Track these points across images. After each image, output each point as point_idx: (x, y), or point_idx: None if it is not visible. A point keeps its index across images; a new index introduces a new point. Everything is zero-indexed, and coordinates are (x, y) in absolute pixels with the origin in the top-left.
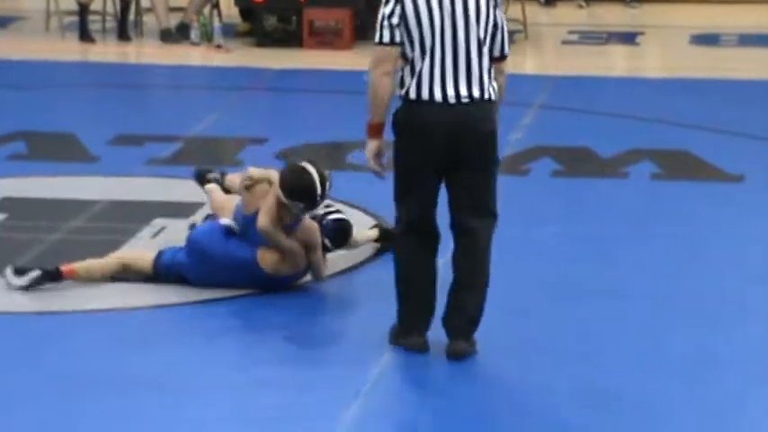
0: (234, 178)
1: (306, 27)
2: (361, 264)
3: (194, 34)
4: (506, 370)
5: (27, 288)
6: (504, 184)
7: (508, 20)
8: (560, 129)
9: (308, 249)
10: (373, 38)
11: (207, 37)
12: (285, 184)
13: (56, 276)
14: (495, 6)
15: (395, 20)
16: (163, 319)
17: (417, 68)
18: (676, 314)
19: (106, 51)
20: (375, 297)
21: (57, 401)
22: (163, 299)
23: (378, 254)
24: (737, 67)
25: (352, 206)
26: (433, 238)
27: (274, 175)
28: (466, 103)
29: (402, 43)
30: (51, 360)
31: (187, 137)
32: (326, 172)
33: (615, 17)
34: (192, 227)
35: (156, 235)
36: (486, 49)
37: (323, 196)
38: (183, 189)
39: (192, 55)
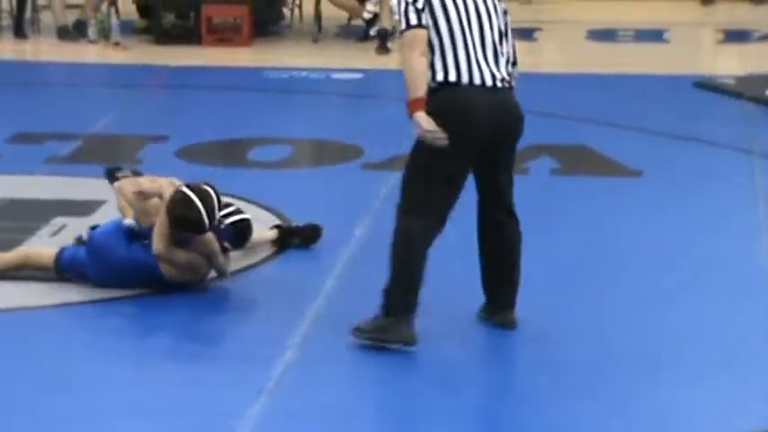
0: (126, 187)
1: (204, 24)
2: (260, 263)
3: (92, 31)
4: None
5: None
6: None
7: None
8: None
9: (207, 258)
10: (400, 26)
11: (104, 34)
12: (171, 215)
13: None
14: (505, 13)
15: (419, 5)
16: (60, 317)
17: (450, 53)
18: (578, 305)
19: (2, 49)
20: (273, 296)
21: None
22: (61, 297)
23: (276, 253)
24: (634, 62)
25: (252, 204)
26: (442, 229)
27: (166, 187)
28: (502, 88)
29: (427, 28)
30: None
31: (86, 134)
32: (213, 196)
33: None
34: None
35: (55, 234)
36: (504, 41)
37: (211, 224)
38: (82, 187)
39: (89, 52)
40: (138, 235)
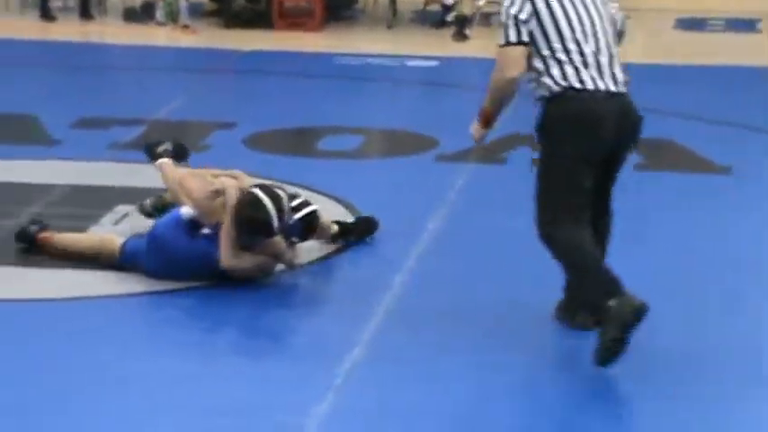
0: (190, 182)
1: (276, 7)
2: (328, 255)
3: (159, 14)
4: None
5: None
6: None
7: (488, 1)
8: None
9: (275, 257)
10: (499, 39)
11: (172, 17)
12: (240, 219)
13: (32, 240)
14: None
15: (524, 16)
16: (122, 308)
17: (566, 61)
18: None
19: (67, 30)
20: (342, 290)
21: (7, 394)
22: (123, 288)
23: (344, 247)
24: (724, 52)
25: (321, 195)
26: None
27: (229, 183)
28: (622, 92)
29: (532, 41)
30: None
31: (152, 120)
32: (283, 197)
33: None
34: (142, 208)
35: (118, 222)
36: (616, 41)
37: (281, 227)
38: (146, 174)
39: (157, 35)
40: (199, 225)
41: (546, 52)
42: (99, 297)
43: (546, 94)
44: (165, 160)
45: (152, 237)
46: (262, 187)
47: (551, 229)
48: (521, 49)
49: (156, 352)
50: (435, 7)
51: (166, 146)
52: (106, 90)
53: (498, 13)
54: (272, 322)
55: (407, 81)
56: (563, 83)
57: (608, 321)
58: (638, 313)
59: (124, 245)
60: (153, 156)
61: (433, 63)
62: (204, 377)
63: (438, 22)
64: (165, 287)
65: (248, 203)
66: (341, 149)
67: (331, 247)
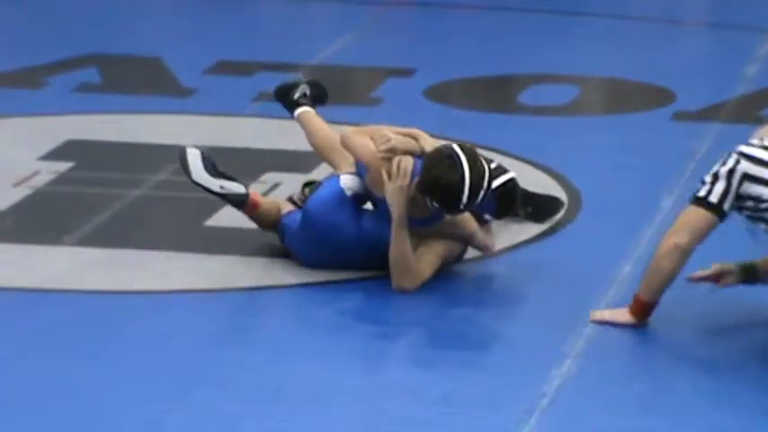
0: (356, 140)
1: None
2: (531, 240)
3: None
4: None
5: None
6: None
7: None
8: None
9: (463, 241)
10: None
11: None
12: (425, 171)
13: (244, 203)
14: None
15: (735, 179)
16: (267, 303)
17: None
18: None
19: None
20: (548, 285)
21: (137, 401)
22: (270, 279)
23: (551, 230)
24: None
25: (523, 162)
26: None
27: (413, 145)
28: None
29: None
30: (130, 350)
31: (309, 65)
32: (486, 171)
33: None
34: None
35: (266, 194)
36: None
37: (469, 204)
38: (301, 133)
39: None
40: (363, 199)
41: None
42: (242, 289)
43: None
44: (306, 109)
45: (306, 216)
46: (463, 147)
47: None
48: (710, 216)
49: (310, 359)
50: None
51: (303, 89)
52: (250, 27)
53: None
54: (458, 325)
55: (635, 16)
56: None
57: None
58: None
59: (282, 221)
60: (291, 104)
61: None
62: (368, 392)
63: None
64: (321, 278)
65: (440, 159)
66: (549, 104)
67: (534, 228)
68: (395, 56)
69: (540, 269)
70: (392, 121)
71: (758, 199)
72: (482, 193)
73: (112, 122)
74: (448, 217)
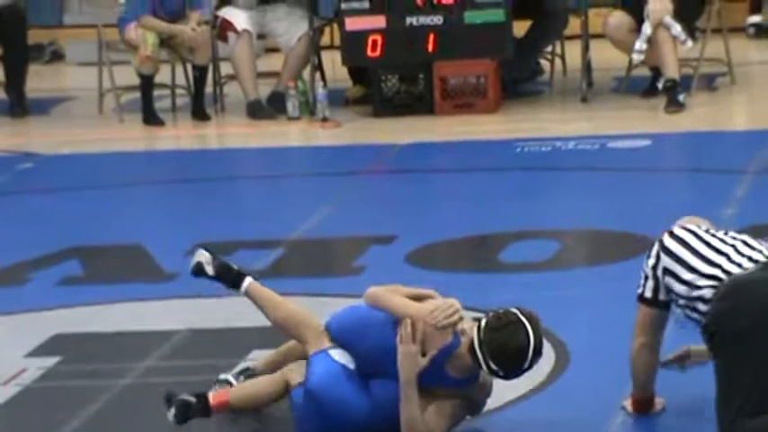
0: (398, 304)
1: (438, 87)
2: (509, 403)
3: (292, 106)
4: None
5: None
6: None
7: (706, 59)
8: None
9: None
10: None
11: (308, 108)
12: (490, 341)
13: (205, 409)
14: None
15: (660, 275)
16: None
17: None
18: None
19: (180, 134)
20: None
21: None
22: None
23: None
24: None
25: None
26: None
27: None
28: None
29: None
30: None
31: (290, 240)
32: (540, 326)
33: None
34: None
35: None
36: None
37: (530, 368)
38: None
39: (290, 133)
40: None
41: None
42: None
43: None
44: (252, 280)
45: (312, 398)
46: (520, 309)
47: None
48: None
49: None
50: (643, 71)
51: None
52: (229, 206)
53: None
54: None
55: (611, 168)
56: None
57: None
58: None
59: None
60: (236, 278)
61: (644, 142)
62: None
63: (647, 89)
64: None
65: (507, 324)
66: (531, 260)
67: (522, 385)
68: (375, 224)
69: (531, 427)
70: None
71: (676, 293)
72: (542, 349)
73: (97, 313)
74: (483, 380)
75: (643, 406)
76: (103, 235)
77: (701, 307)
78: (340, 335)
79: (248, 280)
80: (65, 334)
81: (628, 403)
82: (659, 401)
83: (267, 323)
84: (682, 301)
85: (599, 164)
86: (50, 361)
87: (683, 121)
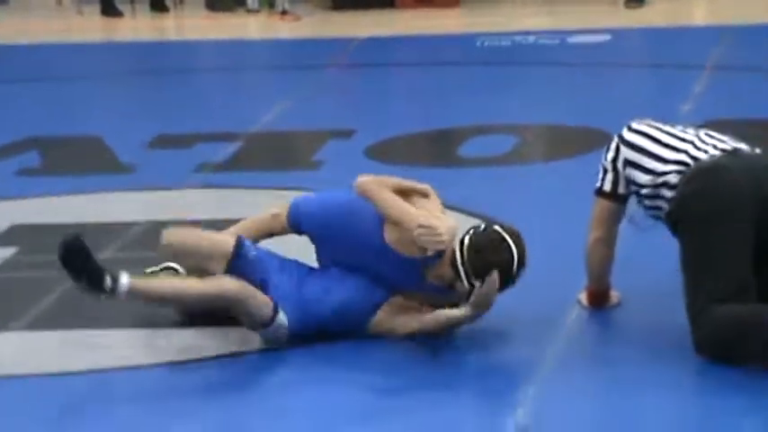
0: (389, 201)
1: None
2: None
3: None
4: None
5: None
6: None
7: None
8: (743, 96)
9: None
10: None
11: (268, 1)
12: (473, 258)
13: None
14: None
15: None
16: (225, 371)
17: None
18: None
19: (137, 27)
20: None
21: None
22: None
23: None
24: None
25: (469, 215)
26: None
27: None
28: None
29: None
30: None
31: (248, 134)
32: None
33: None
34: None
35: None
36: None
37: (513, 284)
38: (244, 204)
39: (249, 26)
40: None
41: None
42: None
43: None
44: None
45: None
46: (503, 226)
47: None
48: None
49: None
50: None
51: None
52: (189, 99)
53: None
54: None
55: (570, 63)
56: None
57: None
58: None
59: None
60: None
61: (603, 37)
62: None
63: None
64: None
65: (492, 237)
66: (489, 155)
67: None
68: (334, 118)
69: (486, 322)
70: (335, 182)
71: (640, 184)
72: (524, 270)
73: (55, 204)
74: (460, 290)
75: (598, 299)
76: (62, 126)
77: (667, 193)
78: (311, 221)
79: (126, 277)
80: (22, 224)
81: (583, 296)
82: (615, 294)
83: (224, 215)
84: (645, 191)
85: (559, 59)
86: (8, 251)
87: (644, 17)
